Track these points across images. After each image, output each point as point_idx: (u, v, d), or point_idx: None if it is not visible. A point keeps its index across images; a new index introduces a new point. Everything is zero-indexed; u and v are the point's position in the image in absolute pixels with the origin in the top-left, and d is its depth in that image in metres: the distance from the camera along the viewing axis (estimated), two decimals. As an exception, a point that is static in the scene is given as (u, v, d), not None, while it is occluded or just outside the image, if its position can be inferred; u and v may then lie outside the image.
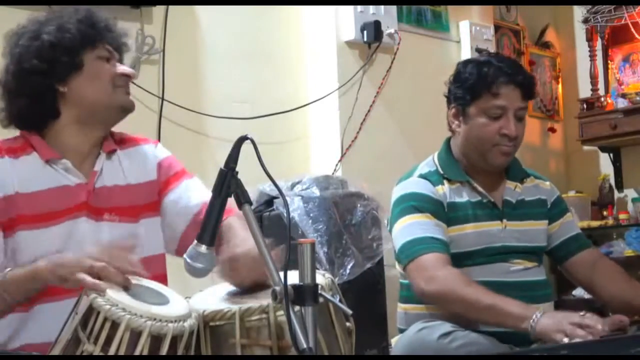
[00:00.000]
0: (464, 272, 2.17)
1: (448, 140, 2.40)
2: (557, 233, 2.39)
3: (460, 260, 2.22)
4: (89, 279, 1.53)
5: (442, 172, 2.32)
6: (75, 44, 1.87)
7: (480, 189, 2.30)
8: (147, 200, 1.97)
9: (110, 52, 1.93)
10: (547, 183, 2.45)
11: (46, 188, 1.84)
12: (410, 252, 2.19)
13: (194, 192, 1.98)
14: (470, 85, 2.27)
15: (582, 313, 1.90)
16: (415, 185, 2.30)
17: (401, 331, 2.34)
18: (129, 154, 1.99)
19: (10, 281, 1.67)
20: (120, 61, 1.98)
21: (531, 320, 1.94)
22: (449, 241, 2.23)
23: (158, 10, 3.34)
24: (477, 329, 2.15)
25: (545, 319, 1.93)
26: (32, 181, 1.84)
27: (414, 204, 2.25)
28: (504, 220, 2.30)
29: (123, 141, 2.01)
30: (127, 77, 1.95)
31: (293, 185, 3.37)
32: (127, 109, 1.95)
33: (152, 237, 1.96)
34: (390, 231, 2.34)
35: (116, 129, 2.01)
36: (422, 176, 2.31)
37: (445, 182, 2.30)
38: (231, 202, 1.59)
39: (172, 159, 2.05)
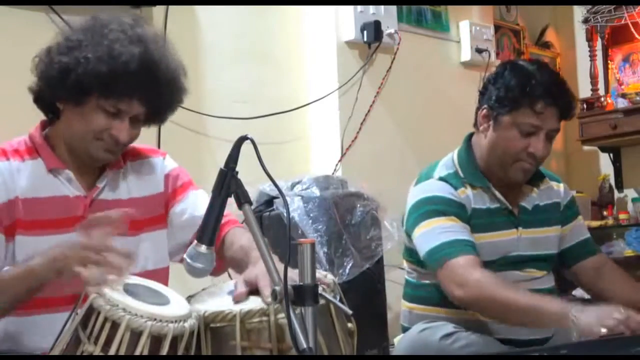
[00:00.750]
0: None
1: (469, 138, 2.35)
2: (566, 237, 2.37)
3: None
4: (84, 271, 1.53)
5: (462, 176, 2.26)
6: (87, 82, 1.76)
7: (499, 195, 2.26)
8: (153, 213, 1.95)
9: (120, 111, 1.80)
10: (561, 185, 2.41)
11: (46, 196, 1.83)
12: (438, 256, 2.13)
13: (200, 204, 1.96)
14: (511, 96, 2.18)
15: (622, 311, 1.86)
16: (436, 187, 2.24)
17: (404, 329, 2.33)
18: (136, 166, 1.97)
19: (4, 282, 1.66)
20: (153, 119, 1.90)
21: (572, 316, 1.88)
22: None
23: (158, 10, 3.34)
24: (478, 330, 2.15)
25: (586, 316, 1.87)
26: (34, 187, 1.83)
27: (437, 207, 2.20)
28: (520, 228, 2.27)
29: (132, 153, 1.99)
30: (116, 139, 1.83)
31: (293, 185, 3.37)
32: (98, 161, 1.88)
33: (157, 251, 1.94)
34: (407, 233, 2.29)
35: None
36: (442, 179, 2.25)
37: (467, 185, 2.25)
38: (232, 209, 1.59)
39: (179, 170, 2.03)
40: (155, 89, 1.83)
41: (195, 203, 1.97)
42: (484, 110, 2.25)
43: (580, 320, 1.86)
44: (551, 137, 2.22)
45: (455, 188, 2.23)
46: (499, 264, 2.22)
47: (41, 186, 1.84)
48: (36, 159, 1.86)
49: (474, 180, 2.26)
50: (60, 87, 1.79)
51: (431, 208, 2.20)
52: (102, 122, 1.80)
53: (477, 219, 2.23)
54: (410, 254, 2.32)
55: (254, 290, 1.65)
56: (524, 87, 2.17)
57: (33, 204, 1.82)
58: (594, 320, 1.84)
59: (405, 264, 2.39)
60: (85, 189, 1.88)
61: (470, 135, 2.35)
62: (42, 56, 1.83)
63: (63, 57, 1.77)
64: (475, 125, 2.30)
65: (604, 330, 1.80)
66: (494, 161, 2.25)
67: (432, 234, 2.17)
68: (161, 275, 1.94)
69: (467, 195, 2.24)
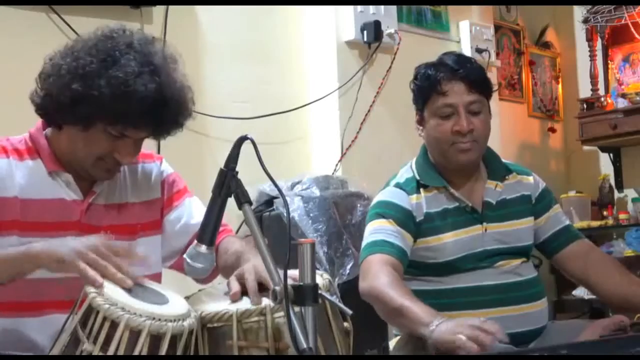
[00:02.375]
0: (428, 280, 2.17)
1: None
2: (544, 227, 2.34)
3: (445, 270, 2.20)
4: (90, 271, 1.53)
5: (418, 178, 2.29)
6: (97, 113, 1.73)
7: (457, 194, 2.26)
8: (149, 218, 1.94)
9: (123, 135, 1.78)
10: (531, 177, 2.38)
11: (43, 198, 1.82)
12: (363, 254, 2.20)
13: (195, 211, 1.96)
14: (419, 89, 2.27)
15: (482, 319, 1.82)
16: (389, 194, 2.29)
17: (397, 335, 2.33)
18: (132, 172, 1.95)
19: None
20: (156, 137, 1.89)
21: (431, 326, 1.85)
22: (427, 252, 2.21)
23: (158, 10, 3.34)
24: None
25: (444, 325, 1.84)
26: (32, 189, 1.81)
27: (380, 210, 2.25)
28: (484, 224, 2.25)
29: None
30: (118, 161, 1.83)
31: (293, 185, 3.38)
32: (96, 179, 1.87)
33: (152, 256, 1.92)
34: None
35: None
36: (398, 185, 2.29)
37: (421, 190, 2.27)
38: (232, 209, 1.59)
39: (175, 175, 2.02)
40: (165, 120, 1.82)
41: (190, 210, 1.97)
42: (416, 117, 2.32)
43: (436, 330, 1.83)
44: (473, 111, 2.22)
45: (409, 194, 2.26)
46: (468, 261, 2.21)
47: (39, 188, 1.82)
48: (36, 160, 1.84)
49: (430, 180, 2.28)
50: (68, 113, 1.75)
51: (376, 211, 2.27)
52: (106, 146, 1.79)
53: (431, 222, 2.24)
54: None
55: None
56: (425, 76, 2.24)
57: (30, 205, 1.80)
58: (451, 328, 1.81)
59: None
60: (82, 193, 1.86)
61: None
62: (49, 72, 1.77)
63: (74, 84, 1.72)
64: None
65: (460, 337, 1.76)
66: (437, 156, 2.28)
67: (367, 234, 2.24)
68: (154, 281, 1.93)
69: (420, 201, 2.26)
